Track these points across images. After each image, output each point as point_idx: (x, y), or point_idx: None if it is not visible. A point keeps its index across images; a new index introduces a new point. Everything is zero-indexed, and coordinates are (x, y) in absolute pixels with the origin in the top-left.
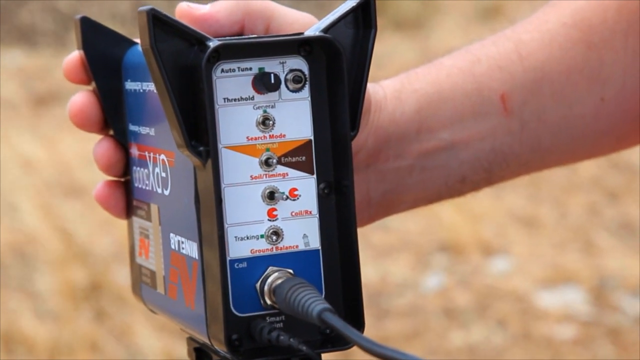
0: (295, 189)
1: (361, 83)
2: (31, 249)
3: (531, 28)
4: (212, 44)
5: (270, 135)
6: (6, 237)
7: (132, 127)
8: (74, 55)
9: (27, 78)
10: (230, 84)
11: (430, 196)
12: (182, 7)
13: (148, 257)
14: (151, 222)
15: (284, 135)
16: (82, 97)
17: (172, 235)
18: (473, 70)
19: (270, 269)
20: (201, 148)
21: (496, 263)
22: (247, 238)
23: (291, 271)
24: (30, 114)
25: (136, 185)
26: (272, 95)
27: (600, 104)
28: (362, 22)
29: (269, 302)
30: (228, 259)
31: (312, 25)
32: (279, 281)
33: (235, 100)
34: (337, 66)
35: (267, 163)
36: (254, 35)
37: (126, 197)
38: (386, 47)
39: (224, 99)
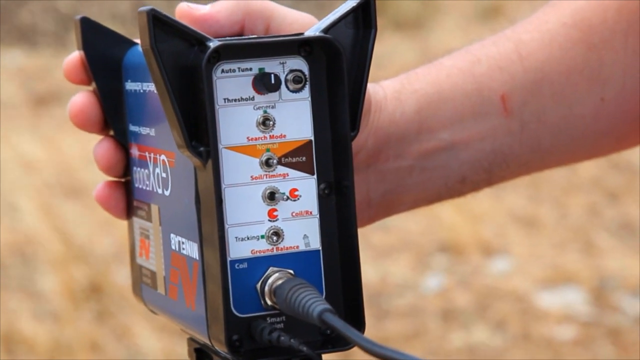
0: (296, 190)
1: (361, 83)
2: (31, 249)
3: (531, 28)
4: (213, 44)
5: (270, 136)
6: (6, 238)
7: (133, 128)
8: (74, 55)
9: (27, 78)
10: (231, 84)
11: (430, 196)
12: (182, 7)
13: (148, 258)
14: (151, 222)
15: (284, 136)
16: (82, 98)
17: (172, 235)
18: (473, 71)
19: (270, 269)
20: (201, 148)
21: (496, 263)
22: (248, 238)
23: (292, 272)
24: (30, 114)
25: (136, 185)
26: (273, 96)
27: (600, 104)
28: (362, 23)
29: (269, 302)
30: (228, 259)
31: (312, 26)
32: (280, 282)
33: (235, 100)
34: (337, 66)
35: (267, 163)
36: (254, 36)
37: (126, 198)
38: (386, 47)
39: (224, 99)
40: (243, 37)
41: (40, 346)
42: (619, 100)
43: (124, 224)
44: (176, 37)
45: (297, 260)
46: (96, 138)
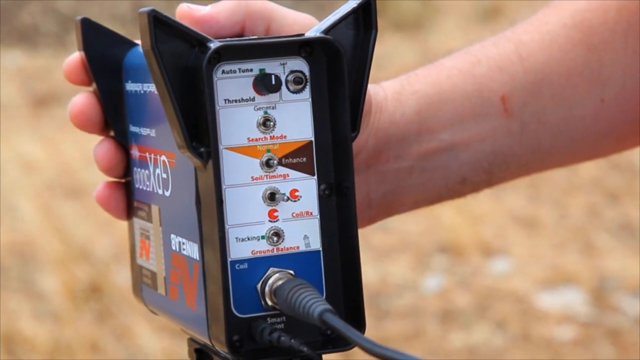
0: (296, 190)
1: (362, 84)
2: (31, 250)
3: (531, 29)
4: (213, 45)
5: (271, 137)
6: (7, 238)
7: (133, 128)
8: (75, 56)
9: (27, 79)
10: (231, 85)
11: (430, 197)
12: (183, 8)
13: (149, 258)
14: (152, 223)
15: (285, 137)
16: (82, 98)
17: (172, 236)
18: (473, 72)
19: (271, 269)
20: (202, 149)
21: (496, 264)
22: (248, 239)
23: (292, 272)
24: (30, 114)
25: (137, 186)
26: (273, 97)
27: (601, 105)
28: (363, 23)
29: (269, 303)
30: (229, 260)
31: (312, 26)
32: (280, 282)
33: (236, 101)
34: (337, 67)
35: (267, 164)
36: (254, 37)
37: (127, 198)
38: (386, 48)
39: (225, 100)
40: (243, 37)
41: (41, 346)
42: (619, 101)
43: (124, 224)
44: (177, 38)
45: (297, 261)
46: (96, 139)
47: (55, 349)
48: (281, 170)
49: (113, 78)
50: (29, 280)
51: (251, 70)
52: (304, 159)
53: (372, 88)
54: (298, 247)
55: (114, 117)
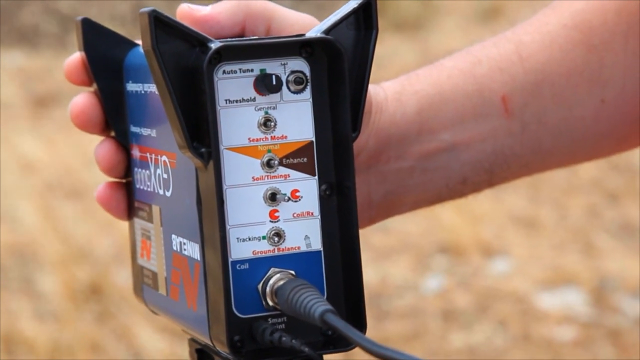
0: (297, 190)
1: (362, 84)
2: (32, 251)
3: (532, 30)
4: (214, 45)
5: (271, 137)
6: (7, 238)
7: (134, 129)
8: (75, 56)
9: (27, 79)
10: (232, 85)
11: (431, 197)
12: (183, 8)
13: (150, 259)
14: (153, 223)
15: (286, 137)
16: (83, 99)
17: (173, 236)
18: (474, 72)
19: (272, 270)
20: (203, 149)
21: (496, 264)
22: (249, 239)
23: (293, 272)
24: (30, 115)
25: (138, 186)
26: (274, 97)
27: (601, 105)
28: (364, 24)
29: (270, 303)
30: (230, 260)
31: (312, 27)
32: (281, 282)
33: (236, 101)
34: (338, 67)
35: (268, 164)
36: (255, 37)
37: (128, 199)
38: (386, 48)
39: (226, 100)
40: (244, 38)
41: (41, 347)
42: (619, 102)
43: (124, 224)
44: (177, 38)
45: (298, 261)
46: (97, 139)
47: (55, 350)
48: (282, 170)
49: (114, 78)
50: (29, 280)
51: (252, 70)
52: (305, 159)
53: (372, 88)
54: (299, 248)
55: (115, 118)
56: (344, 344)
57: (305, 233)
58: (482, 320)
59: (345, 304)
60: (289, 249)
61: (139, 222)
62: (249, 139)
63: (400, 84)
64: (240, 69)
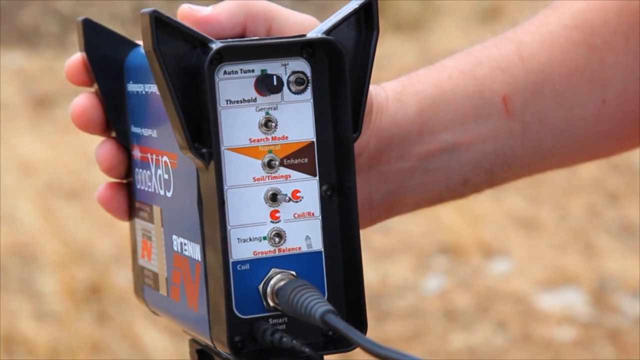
0: (298, 191)
1: (363, 85)
2: (32, 251)
3: (532, 30)
4: (215, 46)
5: (272, 137)
6: (7, 239)
7: (135, 129)
8: (76, 57)
9: (27, 79)
10: (233, 85)
11: (432, 198)
12: (184, 9)
13: (150, 259)
14: (154, 223)
15: (287, 137)
16: (84, 99)
17: (174, 237)
18: (474, 72)
19: (272, 270)
20: (204, 150)
21: (496, 265)
22: (250, 240)
23: (294, 273)
24: (30, 115)
25: (138, 187)
26: (275, 97)
27: (602, 105)
28: (365, 24)
29: (271, 303)
30: (231, 260)
31: (313, 27)
32: (282, 283)
33: (237, 102)
34: (339, 68)
35: (269, 165)
36: (256, 37)
37: (128, 199)
38: (386, 48)
39: (227, 100)
40: (245, 38)
41: (41, 347)
42: (620, 102)
43: (124, 225)
44: (179, 38)
45: (299, 262)
46: (97, 140)
47: (55, 350)
48: (283, 171)
49: (115, 79)
50: (29, 280)
51: (253, 71)
52: (306, 160)
53: (373, 89)
54: (300, 248)
55: (116, 118)
56: (344, 345)
57: (306, 233)
58: (483, 321)
59: (346, 305)
60: (289, 250)
61: (139, 223)
62: (249, 139)
63: (401, 84)
64: (241, 70)
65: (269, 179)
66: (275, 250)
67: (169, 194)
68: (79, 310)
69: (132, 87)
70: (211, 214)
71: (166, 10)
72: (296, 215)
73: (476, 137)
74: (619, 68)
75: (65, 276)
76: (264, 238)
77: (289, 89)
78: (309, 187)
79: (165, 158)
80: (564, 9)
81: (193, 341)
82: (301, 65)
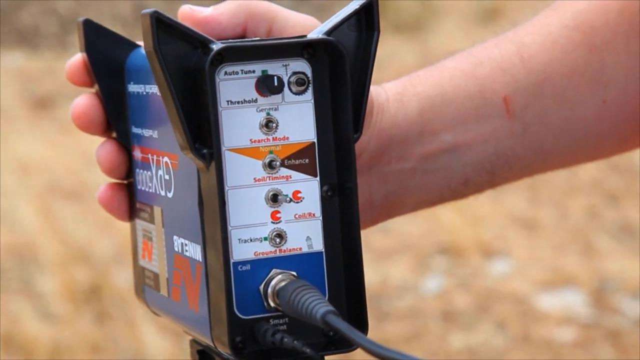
0: (299, 192)
1: (364, 85)
2: (32, 252)
3: (533, 30)
4: (216, 46)
5: (273, 138)
6: (7, 239)
7: (135, 130)
8: (77, 57)
9: (27, 80)
10: (234, 86)
11: (432, 198)
12: (185, 9)
13: (151, 260)
14: (154, 224)
15: (287, 138)
16: (85, 100)
17: (175, 237)
18: (475, 73)
19: (273, 271)
20: (204, 150)
21: (496, 265)
22: (251, 240)
23: (295, 273)
24: (30, 116)
25: (139, 187)
26: (275, 98)
27: (602, 106)
28: (365, 25)
29: (272, 304)
30: (232, 261)
31: (314, 28)
32: (283, 283)
33: (238, 102)
34: (340, 69)
35: (270, 165)
36: (256, 38)
37: (129, 200)
38: (386, 49)
39: (227, 101)
40: (246, 39)
41: (41, 348)
42: (620, 102)
43: (124, 225)
44: (179, 39)
45: (300, 262)
46: (98, 140)
47: (55, 350)
48: (284, 171)
49: (115, 79)
50: (29, 281)
51: (253, 71)
52: (307, 161)
53: (373, 89)
54: (300, 249)
55: (116, 119)
56: (345, 345)
57: (306, 234)
58: (482, 321)
59: (347, 305)
60: (290, 250)
61: (140, 223)
62: (250, 140)
63: (401, 84)
64: (242, 70)
65: (269, 179)
66: (276, 250)
67: (169, 195)
68: (79, 311)
69: (132, 88)
70: (212, 214)
71: (166, 11)
72: (297, 216)
73: (477, 137)
74: (620, 68)
75: (65, 276)
76: (265, 239)
77: (290, 89)
78: (309, 188)
79: (166, 159)
80: (564, 10)
81: (194, 342)
82: (302, 65)
